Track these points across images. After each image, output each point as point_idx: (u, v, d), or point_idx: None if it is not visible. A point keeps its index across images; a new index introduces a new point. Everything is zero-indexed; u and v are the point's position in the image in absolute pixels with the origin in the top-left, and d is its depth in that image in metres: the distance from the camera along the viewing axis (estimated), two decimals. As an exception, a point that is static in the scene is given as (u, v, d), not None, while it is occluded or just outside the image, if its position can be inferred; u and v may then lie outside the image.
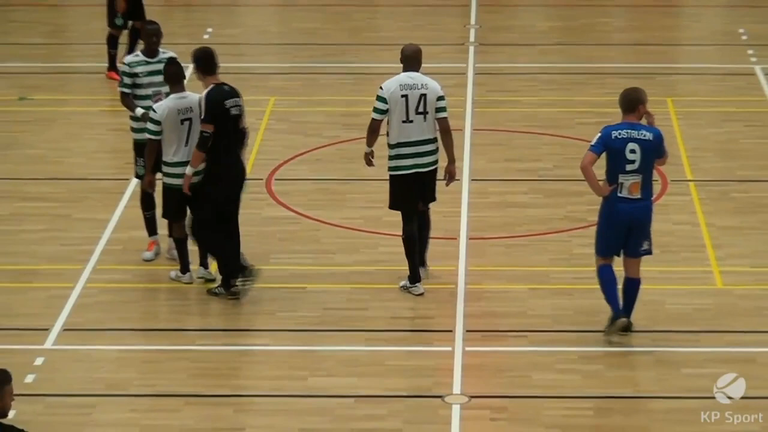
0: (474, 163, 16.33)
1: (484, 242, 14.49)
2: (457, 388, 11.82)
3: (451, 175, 13.61)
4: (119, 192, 15.38)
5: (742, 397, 11.65)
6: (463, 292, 13.42)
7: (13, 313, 13.24)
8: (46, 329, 12.82)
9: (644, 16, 22.34)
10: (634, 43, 20.95)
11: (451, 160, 13.54)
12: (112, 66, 19.10)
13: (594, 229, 12.86)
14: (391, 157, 13.35)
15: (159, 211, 13.89)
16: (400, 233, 13.75)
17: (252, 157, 16.24)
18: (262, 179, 15.89)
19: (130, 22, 18.93)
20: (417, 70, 13.40)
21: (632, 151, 12.23)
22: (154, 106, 13.25)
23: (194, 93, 13.30)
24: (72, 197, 15.56)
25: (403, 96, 13.23)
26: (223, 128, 13.04)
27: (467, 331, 12.74)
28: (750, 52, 20.05)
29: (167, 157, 13.25)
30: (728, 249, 14.25)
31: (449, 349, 12.45)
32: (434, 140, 13.41)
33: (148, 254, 14.06)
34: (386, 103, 13.23)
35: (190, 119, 13.17)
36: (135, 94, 13.67)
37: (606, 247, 12.56)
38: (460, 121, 17.42)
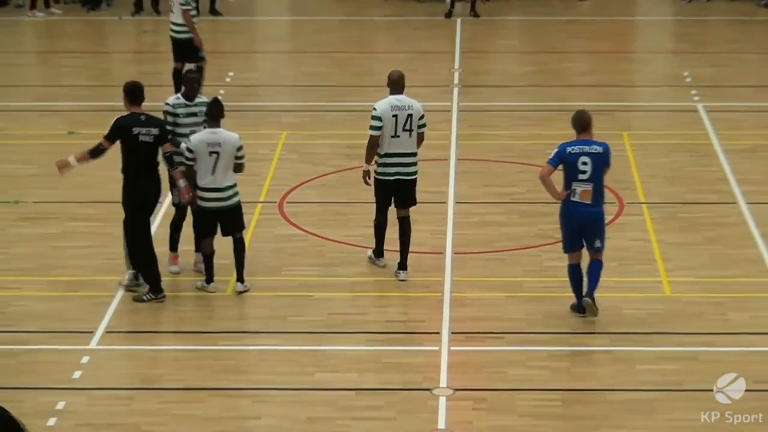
0: (458, 188, 16.32)
1: (467, 256, 14.46)
2: (443, 382, 11.81)
3: None
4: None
5: (688, 390, 11.65)
6: (448, 300, 13.39)
7: (63, 317, 13.22)
8: (91, 332, 12.80)
9: (603, 62, 22.37)
10: (595, 84, 20.95)
11: None
12: None
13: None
14: (379, 165, 13.68)
15: (187, 230, 13.91)
16: (397, 248, 14.04)
17: (266, 183, 16.25)
18: (275, 202, 15.86)
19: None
20: (402, 93, 13.73)
21: (584, 163, 12.54)
22: (190, 137, 13.27)
23: (227, 131, 13.29)
24: (113, 218, 15.44)
25: (393, 115, 13.56)
26: (132, 151, 13.24)
27: (452, 333, 12.72)
28: (693, 92, 20.06)
29: (199, 182, 13.24)
30: (675, 262, 14.23)
31: (437, 348, 12.42)
32: (416, 154, 13.72)
33: (175, 268, 14.02)
34: (381, 120, 13.51)
35: (217, 153, 13.12)
36: (174, 132, 13.63)
37: (567, 244, 12.83)
38: (445, 152, 17.46)
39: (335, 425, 11.18)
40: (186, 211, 13.84)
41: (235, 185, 13.36)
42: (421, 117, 13.72)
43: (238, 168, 13.34)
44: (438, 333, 12.71)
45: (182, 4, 18.84)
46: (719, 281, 13.79)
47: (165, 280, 13.85)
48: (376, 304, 13.46)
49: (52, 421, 11.25)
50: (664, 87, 20.98)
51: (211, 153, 13.15)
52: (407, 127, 13.59)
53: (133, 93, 13.36)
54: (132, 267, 13.51)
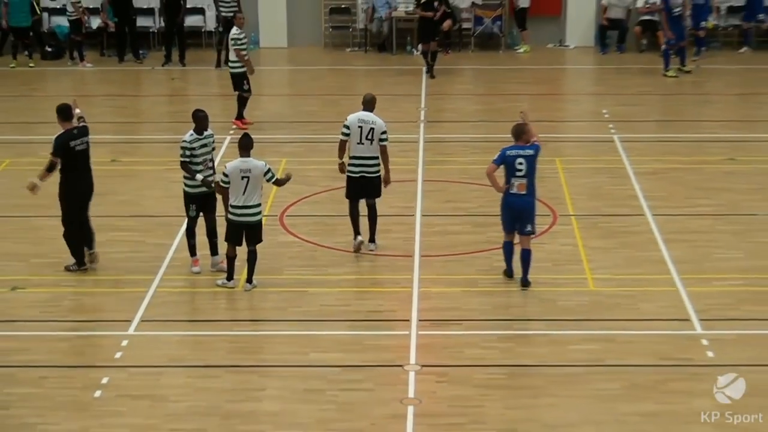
0: (424, 203, 16.27)
1: (431, 259, 14.40)
2: (412, 360, 11.78)
3: (386, 182, 14.34)
4: (178, 225, 15.19)
5: (607, 365, 11.62)
6: (416, 294, 13.34)
7: (107, 309, 13.15)
8: (129, 320, 12.72)
9: (540, 102, 22.37)
10: (533, 120, 20.59)
11: (387, 172, 14.26)
12: (240, 117, 19.82)
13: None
14: (348, 165, 14.16)
15: (201, 239, 13.87)
16: (372, 251, 14.33)
17: (270, 200, 16.11)
18: (276, 215, 15.78)
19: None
20: (371, 111, 14.20)
21: (520, 163, 13.15)
22: (227, 164, 13.28)
23: (255, 159, 13.25)
24: (147, 228, 15.48)
25: (359, 126, 14.07)
26: (71, 160, 13.51)
27: (420, 320, 12.67)
28: (610, 126, 20.06)
29: (232, 201, 13.21)
30: (597, 262, 14.20)
31: (407, 333, 12.37)
32: (377, 158, 14.16)
33: (196, 268, 13.92)
34: (348, 129, 14.04)
35: (248, 177, 13.08)
36: (191, 162, 13.57)
37: (505, 227, 13.38)
38: (414, 175, 17.41)
39: (325, 395, 11.13)
40: (197, 221, 13.78)
41: (260, 205, 13.32)
42: (383, 132, 14.08)
43: (277, 183, 13.51)
44: (408, 320, 12.65)
45: (236, 47, 19.46)
46: (631, 278, 13.76)
47: (189, 278, 13.83)
48: (358, 297, 13.39)
49: (98, 393, 11.20)
50: (588, 122, 20.99)
51: (242, 177, 13.09)
52: (369, 137, 14.05)
53: (64, 112, 13.60)
54: (69, 247, 13.84)
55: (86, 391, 11.24)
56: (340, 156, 14.27)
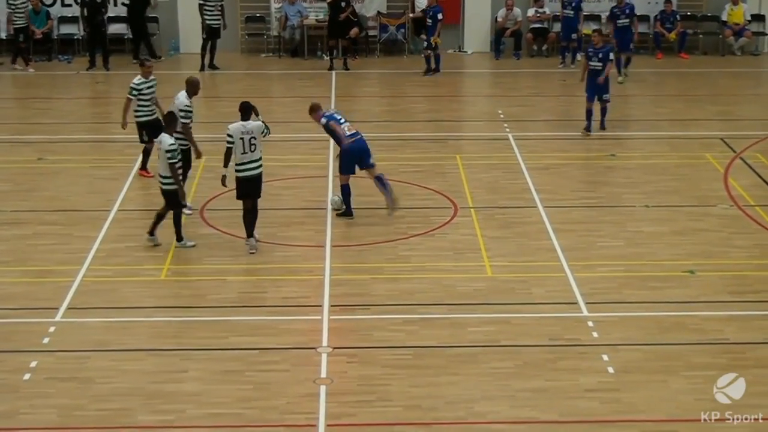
0: (334, 197, 16.21)
1: (342, 248, 14.40)
2: (325, 342, 11.76)
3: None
4: (103, 219, 15.08)
5: (502, 345, 11.71)
6: (328, 281, 13.31)
7: (35, 297, 12.90)
8: (56, 308, 12.51)
9: (440, 103, 22.48)
10: (434, 120, 21.03)
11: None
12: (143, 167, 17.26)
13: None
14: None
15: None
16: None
17: (191, 195, 15.96)
18: (197, 209, 15.64)
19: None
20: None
21: (340, 116, 15.23)
22: (229, 126, 14.09)
23: (254, 121, 14.05)
24: (73, 222, 15.19)
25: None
26: None
27: (331, 306, 12.65)
28: (505, 125, 20.23)
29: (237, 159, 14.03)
30: (494, 251, 14.32)
31: (319, 317, 12.36)
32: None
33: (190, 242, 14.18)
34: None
35: (247, 137, 13.98)
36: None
37: (348, 168, 15.01)
38: (325, 171, 17.36)
39: (244, 376, 11.07)
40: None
41: (258, 159, 14.02)
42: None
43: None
44: (320, 306, 12.63)
45: (130, 96, 16.57)
46: (525, 265, 13.90)
47: (114, 268, 13.62)
48: (273, 285, 13.32)
49: (27, 376, 11.01)
50: (484, 122, 21.13)
51: (241, 138, 13.96)
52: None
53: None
54: None
55: (16, 374, 11.02)
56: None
